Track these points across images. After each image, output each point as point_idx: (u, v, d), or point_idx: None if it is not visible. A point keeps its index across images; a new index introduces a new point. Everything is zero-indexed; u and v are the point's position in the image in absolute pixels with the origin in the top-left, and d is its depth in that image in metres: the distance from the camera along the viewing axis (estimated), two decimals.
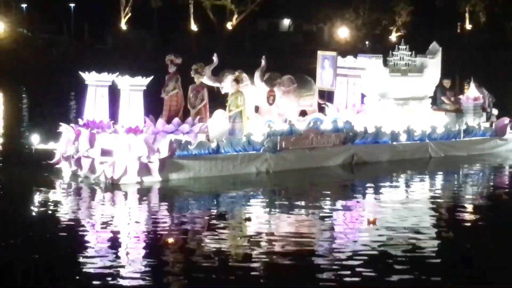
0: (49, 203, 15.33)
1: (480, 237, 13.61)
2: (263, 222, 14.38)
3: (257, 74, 19.51)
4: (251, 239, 13.08)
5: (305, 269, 11.60)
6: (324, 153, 19.56)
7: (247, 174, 18.29)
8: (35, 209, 15.06)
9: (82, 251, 12.15)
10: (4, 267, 11.41)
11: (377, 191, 17.50)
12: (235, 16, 72.12)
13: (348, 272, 11.38)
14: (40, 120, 27.13)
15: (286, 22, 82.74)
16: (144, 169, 17.02)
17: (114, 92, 18.18)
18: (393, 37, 74.61)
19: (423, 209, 15.63)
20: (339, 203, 15.96)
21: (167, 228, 13.82)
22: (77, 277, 11.06)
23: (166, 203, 15.76)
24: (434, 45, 22.46)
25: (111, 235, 13.19)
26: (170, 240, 12.74)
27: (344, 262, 11.82)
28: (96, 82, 18.22)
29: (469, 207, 16.15)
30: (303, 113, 20.65)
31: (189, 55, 34.72)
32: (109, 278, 10.96)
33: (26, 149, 20.47)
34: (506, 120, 22.79)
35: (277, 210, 15.41)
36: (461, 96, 22.85)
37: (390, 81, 21.24)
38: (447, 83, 23.08)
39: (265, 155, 18.61)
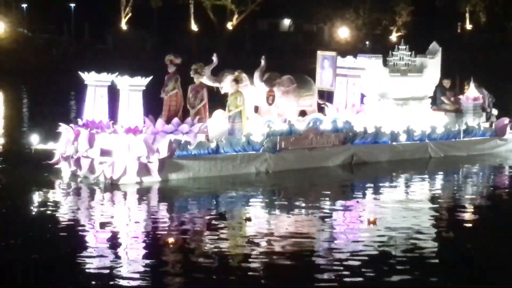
0: (49, 203, 15.33)
1: (480, 237, 13.61)
2: (262, 222, 14.37)
3: (256, 74, 19.50)
4: (250, 239, 13.07)
5: (305, 269, 11.60)
6: (324, 153, 19.55)
7: (246, 174, 18.28)
8: (35, 209, 15.06)
9: (81, 251, 12.14)
10: (4, 267, 11.40)
11: (376, 191, 17.50)
12: (235, 16, 72.14)
13: (348, 272, 11.38)
14: (40, 120, 27.11)
15: (287, 22, 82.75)
16: (144, 169, 17.01)
17: (113, 92, 18.17)
18: (394, 37, 74.59)
19: (423, 209, 15.61)
20: (339, 203, 15.95)
21: (167, 228, 13.81)
22: (77, 277, 11.06)
23: (166, 203, 15.75)
24: (434, 45, 22.45)
25: (111, 235, 13.18)
26: (170, 240, 12.73)
27: (344, 262, 11.82)
28: (95, 82, 18.22)
29: (469, 207, 16.15)
30: (302, 113, 20.64)
31: (189, 55, 34.69)
32: (109, 278, 10.96)
33: (26, 149, 20.45)
34: (506, 120, 22.79)
35: (277, 210, 15.40)
36: (460, 96, 22.84)
37: (390, 81, 21.23)
38: (447, 83, 23.07)
39: (264, 155, 18.60)
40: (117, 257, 11.97)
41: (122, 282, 10.85)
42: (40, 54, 59.78)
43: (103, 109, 18.19)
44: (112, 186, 16.73)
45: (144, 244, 12.80)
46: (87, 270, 11.31)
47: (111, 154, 17.12)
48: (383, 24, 76.49)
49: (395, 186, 18.21)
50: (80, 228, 13.61)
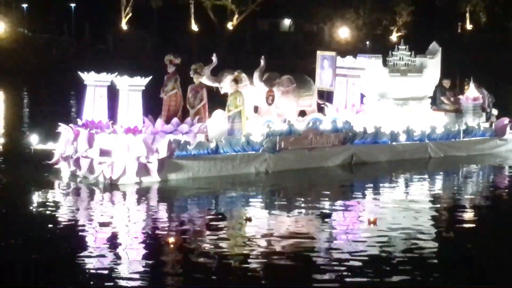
0: (48, 203, 15.32)
1: (480, 237, 13.60)
2: (262, 222, 14.35)
3: (256, 74, 19.49)
4: (250, 240, 13.06)
5: (304, 269, 11.58)
6: (323, 153, 19.53)
7: (246, 174, 18.27)
8: (35, 209, 15.04)
9: (81, 251, 12.13)
10: (4, 267, 11.40)
11: (376, 191, 17.49)
12: (236, 16, 72.16)
13: (348, 272, 11.36)
14: (40, 120, 27.11)
15: (287, 22, 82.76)
16: (143, 169, 17.00)
17: (113, 92, 18.16)
18: (394, 37, 74.58)
19: (423, 209, 15.59)
20: (339, 203, 15.94)
21: (166, 228, 13.80)
22: (77, 277, 11.04)
23: (165, 204, 15.74)
24: (433, 45, 22.44)
25: (110, 235, 13.16)
26: (170, 240, 12.71)
27: (344, 262, 11.80)
28: (95, 82, 18.22)
29: (469, 207, 16.13)
30: (302, 113, 20.62)
31: (189, 55, 34.75)
32: (109, 278, 10.95)
33: (26, 149, 20.43)
34: (505, 120, 22.78)
35: (277, 210, 15.38)
36: (460, 96, 22.82)
37: (390, 81, 21.21)
38: (446, 83, 23.05)
39: (264, 155, 18.59)
40: (117, 257, 11.96)
41: (122, 282, 10.84)
42: (40, 54, 59.80)
43: (103, 109, 18.19)
44: (112, 186, 16.71)
45: (143, 244, 12.78)
46: (86, 270, 11.29)
47: (111, 154, 17.11)
48: (383, 24, 76.51)
49: (395, 186, 18.20)
50: (80, 228, 13.60)
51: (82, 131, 17.78)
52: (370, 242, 12.96)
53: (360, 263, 11.78)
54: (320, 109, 21.27)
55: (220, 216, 14.86)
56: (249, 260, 11.91)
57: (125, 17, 71.54)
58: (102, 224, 13.74)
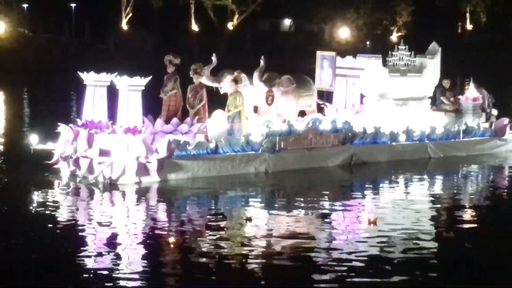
0: (48, 203, 15.31)
1: (480, 237, 13.60)
2: (262, 223, 14.34)
3: (256, 74, 19.48)
4: (250, 240, 13.05)
5: (304, 270, 11.57)
6: (323, 154, 19.53)
7: (245, 174, 18.26)
8: (34, 209, 15.03)
9: (81, 251, 12.13)
10: (4, 267, 11.39)
11: (376, 192, 17.49)
12: (236, 16, 72.17)
13: (348, 272, 11.35)
14: (40, 120, 27.10)
15: (287, 22, 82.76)
16: (143, 169, 16.99)
17: (112, 92, 18.16)
18: (394, 37, 74.59)
19: (423, 209, 15.59)
20: (339, 204, 15.94)
21: (166, 228, 13.79)
22: (77, 277, 11.03)
23: (165, 204, 15.73)
24: (433, 45, 22.43)
25: (110, 235, 13.15)
26: (169, 240, 12.71)
27: (344, 262, 11.80)
28: (94, 82, 18.21)
29: (469, 207, 16.13)
30: (302, 113, 20.62)
31: (189, 55, 34.71)
32: (109, 278, 10.94)
33: (26, 149, 20.42)
34: (505, 120, 22.77)
35: (276, 210, 15.38)
36: (460, 97, 22.81)
37: (389, 81, 21.21)
38: (446, 83, 23.04)
39: (264, 156, 18.58)
40: (117, 257, 11.95)
41: (122, 282, 10.83)
42: (41, 54, 59.83)
43: (102, 109, 18.17)
44: (111, 186, 16.71)
45: (143, 244, 12.77)
46: (86, 270, 11.29)
47: (110, 154, 17.10)
48: (383, 24, 76.53)
49: (395, 187, 18.19)
50: (79, 228, 13.60)
51: (81, 131, 17.77)
52: (370, 242, 12.95)
53: (360, 263, 11.78)
54: (320, 109, 21.27)
55: (219, 216, 14.85)
56: (249, 260, 11.90)
57: (126, 17, 71.54)
58: (102, 224, 13.74)
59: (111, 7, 70.00)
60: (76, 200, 15.88)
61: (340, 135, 19.78)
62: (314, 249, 12.55)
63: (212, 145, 18.05)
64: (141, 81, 17.50)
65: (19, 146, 21.94)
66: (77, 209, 15.05)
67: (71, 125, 18.41)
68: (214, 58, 19.40)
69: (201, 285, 10.94)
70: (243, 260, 11.90)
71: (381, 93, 21.10)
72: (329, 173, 19.18)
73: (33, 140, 19.03)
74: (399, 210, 15.53)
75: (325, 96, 21.85)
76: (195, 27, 72.59)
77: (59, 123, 18.65)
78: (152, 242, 12.90)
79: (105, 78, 18.17)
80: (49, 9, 66.42)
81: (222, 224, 14.19)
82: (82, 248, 12.31)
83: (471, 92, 22.42)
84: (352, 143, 20.02)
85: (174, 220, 14.45)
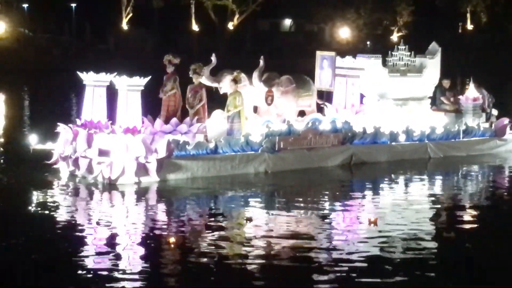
0: (48, 204, 15.31)
1: (480, 237, 13.59)
2: (262, 223, 14.33)
3: (255, 74, 19.46)
4: (250, 240, 13.04)
5: (304, 270, 11.56)
6: (323, 154, 19.51)
7: (245, 174, 18.25)
8: (34, 209, 15.03)
9: (81, 251, 12.12)
10: (4, 267, 11.38)
11: (376, 192, 17.48)
12: (236, 16, 72.18)
13: (348, 272, 11.34)
14: (39, 120, 27.09)
15: (287, 22, 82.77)
16: (142, 169, 16.98)
17: (112, 92, 18.14)
18: (395, 37, 74.55)
19: (423, 210, 15.59)
20: (339, 204, 15.93)
21: (166, 228, 13.78)
22: (77, 277, 11.03)
23: (164, 204, 15.72)
24: (433, 45, 22.41)
25: (110, 235, 13.15)
26: (169, 240, 12.70)
27: (344, 262, 11.78)
28: (94, 82, 18.20)
29: (469, 207, 16.11)
30: (301, 114, 20.60)
31: (190, 55, 34.71)
32: (108, 278, 10.94)
33: (25, 149, 20.41)
34: (505, 120, 22.76)
35: (276, 210, 15.36)
36: (460, 97, 22.79)
37: (389, 81, 21.19)
38: (446, 83, 23.02)
39: (263, 156, 18.56)
40: (117, 257, 11.94)
41: (122, 282, 10.83)
42: (41, 54, 59.85)
43: (102, 109, 18.17)
44: (110, 186, 16.70)
45: (143, 244, 12.76)
46: (86, 270, 11.28)
47: (109, 154, 17.08)
48: (384, 24, 76.49)
49: (395, 187, 18.17)
50: (79, 228, 13.59)
51: (81, 131, 17.76)
52: (370, 242, 12.94)
53: (360, 263, 11.76)
54: (320, 109, 21.25)
55: (219, 216, 14.83)
56: (249, 260, 11.88)
57: (126, 17, 71.58)
58: (101, 224, 13.73)
59: (111, 7, 70.04)
60: (75, 200, 15.87)
61: (340, 135, 19.77)
62: (314, 249, 12.54)
63: (211, 145, 18.04)
64: (140, 81, 17.49)
65: (18, 146, 21.92)
66: (77, 209, 15.04)
67: (70, 125, 18.40)
68: (213, 58, 19.39)
69: (201, 285, 10.94)
70: (243, 260, 11.89)
71: (381, 93, 21.09)
72: (329, 173, 19.16)
73: (33, 140, 19.02)
74: (399, 210, 15.52)
75: (325, 96, 21.83)
76: (195, 27, 72.61)
77: (58, 123, 18.65)
78: (152, 242, 12.89)
79: (104, 78, 18.17)
80: (49, 9, 66.49)
81: (222, 224, 14.16)
82: (82, 248, 12.31)
83: (471, 92, 22.40)
84: (352, 143, 20.01)
85: (173, 220, 14.42)
